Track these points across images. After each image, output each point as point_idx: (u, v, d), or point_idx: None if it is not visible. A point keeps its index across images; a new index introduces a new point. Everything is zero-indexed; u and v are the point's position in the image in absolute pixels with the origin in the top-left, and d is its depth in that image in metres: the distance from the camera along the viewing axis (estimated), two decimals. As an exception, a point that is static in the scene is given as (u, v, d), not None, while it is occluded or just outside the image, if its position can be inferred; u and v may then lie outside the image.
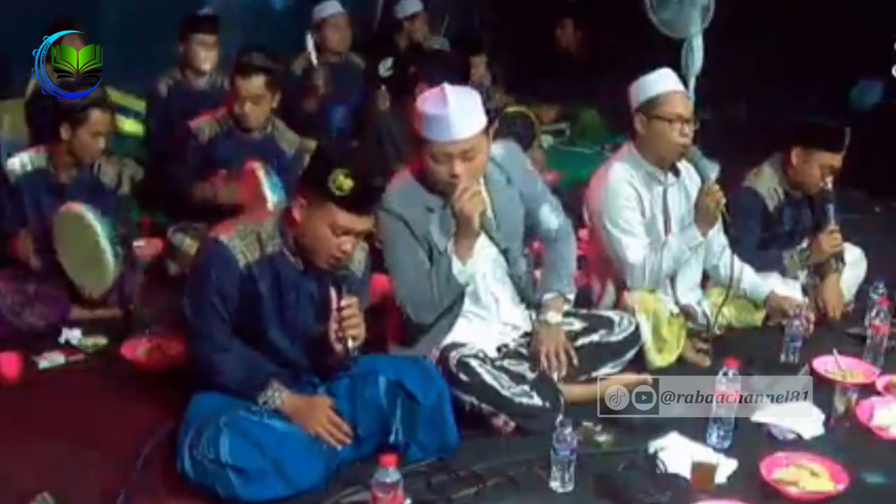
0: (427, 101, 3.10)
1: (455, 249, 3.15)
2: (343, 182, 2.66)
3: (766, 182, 4.19)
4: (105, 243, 3.71)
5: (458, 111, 3.04)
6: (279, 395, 2.87)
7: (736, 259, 3.79)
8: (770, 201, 4.17)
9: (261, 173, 4.03)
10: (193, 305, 2.88)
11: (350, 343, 2.82)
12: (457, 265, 3.15)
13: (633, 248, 3.61)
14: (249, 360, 2.92)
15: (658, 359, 3.62)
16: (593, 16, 7.14)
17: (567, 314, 3.45)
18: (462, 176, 3.07)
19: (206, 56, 5.22)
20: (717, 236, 3.82)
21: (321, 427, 2.85)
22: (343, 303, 2.82)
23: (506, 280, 3.37)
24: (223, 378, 2.88)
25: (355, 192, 2.68)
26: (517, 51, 6.61)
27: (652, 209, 3.69)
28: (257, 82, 4.30)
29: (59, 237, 3.82)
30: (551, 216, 3.45)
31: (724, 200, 3.59)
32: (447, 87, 3.09)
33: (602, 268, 3.79)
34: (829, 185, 4.13)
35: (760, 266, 3.98)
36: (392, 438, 2.96)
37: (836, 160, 4.10)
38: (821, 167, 4.10)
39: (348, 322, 2.82)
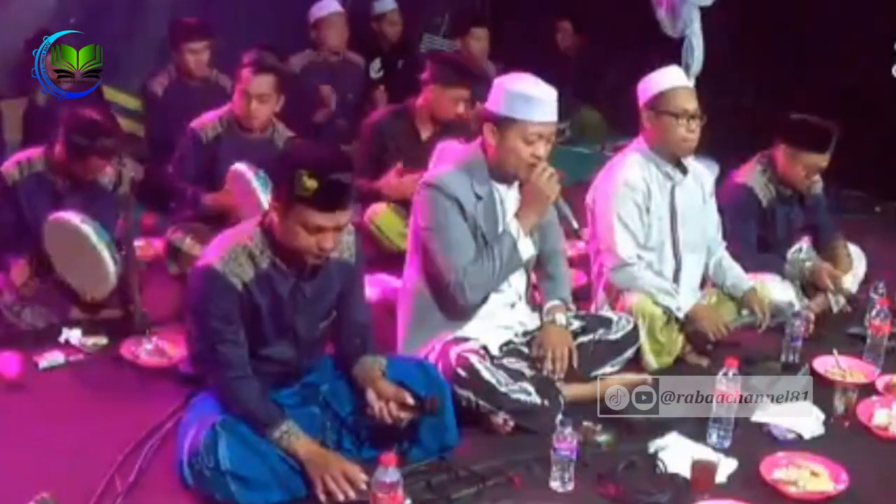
0: (521, 82, 3.21)
1: (521, 226, 3.23)
2: (307, 182, 2.62)
3: (757, 179, 4.19)
4: (102, 249, 3.67)
5: (553, 94, 3.18)
6: (293, 438, 2.76)
7: (727, 258, 3.80)
8: (763, 198, 4.18)
9: (251, 177, 4.03)
10: (202, 338, 2.83)
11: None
12: (525, 241, 3.23)
13: (626, 245, 3.63)
14: (265, 391, 2.86)
15: (655, 361, 3.64)
16: (592, 17, 7.13)
17: (565, 314, 3.48)
18: (542, 158, 3.20)
19: (196, 62, 5.22)
20: (715, 237, 3.85)
21: (330, 478, 2.70)
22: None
23: (527, 279, 3.45)
24: (238, 406, 2.80)
25: (320, 191, 2.64)
26: (516, 51, 6.61)
27: (659, 206, 3.70)
28: (266, 81, 4.30)
29: (53, 247, 3.78)
30: (560, 230, 3.53)
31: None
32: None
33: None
34: (821, 189, 4.16)
35: (762, 268, 3.99)
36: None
37: (821, 161, 4.10)
38: (806, 167, 4.10)
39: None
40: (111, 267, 3.70)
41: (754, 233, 4.17)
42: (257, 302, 2.82)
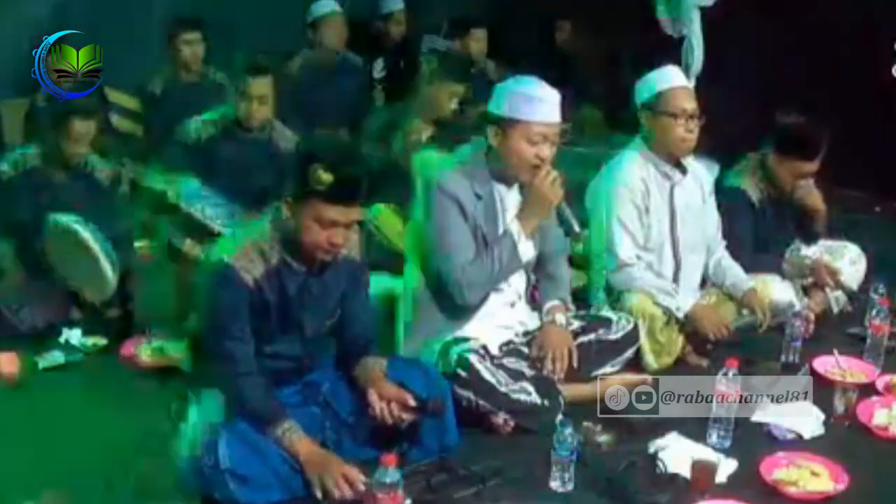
0: (524, 84, 3.22)
1: (522, 228, 3.23)
2: (322, 176, 2.64)
3: (748, 180, 4.20)
4: (100, 256, 3.67)
5: (557, 96, 3.21)
6: (294, 437, 2.76)
7: (726, 257, 3.80)
8: (755, 199, 4.18)
9: (193, 210, 4.01)
10: (211, 330, 2.84)
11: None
12: (525, 243, 3.23)
13: (625, 246, 3.63)
14: (269, 388, 2.86)
15: (655, 361, 3.64)
16: (592, 17, 7.13)
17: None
18: (546, 160, 3.19)
19: (191, 54, 5.28)
20: (715, 236, 3.86)
21: (328, 478, 2.70)
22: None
23: (527, 280, 3.45)
24: (242, 402, 2.81)
25: (336, 185, 2.66)
26: (516, 51, 6.61)
27: (658, 206, 3.69)
28: (265, 82, 4.32)
29: (52, 249, 3.78)
30: (559, 231, 3.50)
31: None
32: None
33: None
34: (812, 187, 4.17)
35: (759, 268, 3.99)
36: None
37: (809, 167, 4.09)
38: (793, 173, 4.10)
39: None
40: (109, 273, 3.71)
41: (750, 233, 4.16)
42: (267, 298, 2.83)
